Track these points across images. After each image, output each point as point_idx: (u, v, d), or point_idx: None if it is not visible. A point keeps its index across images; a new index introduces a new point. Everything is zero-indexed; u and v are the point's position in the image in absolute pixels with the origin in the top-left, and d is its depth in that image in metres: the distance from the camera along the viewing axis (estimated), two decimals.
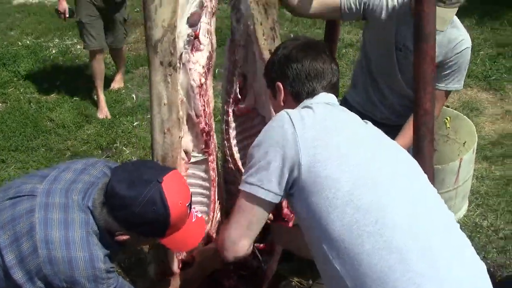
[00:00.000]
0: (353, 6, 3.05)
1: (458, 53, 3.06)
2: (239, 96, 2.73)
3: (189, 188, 2.19)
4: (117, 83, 6.61)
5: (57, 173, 2.25)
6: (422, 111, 2.46)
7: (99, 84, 6.05)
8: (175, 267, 2.51)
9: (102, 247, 2.11)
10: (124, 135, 5.66)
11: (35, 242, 2.03)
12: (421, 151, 2.49)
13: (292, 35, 7.42)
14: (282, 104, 2.23)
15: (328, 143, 1.94)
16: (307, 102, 2.14)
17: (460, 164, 3.87)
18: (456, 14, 2.96)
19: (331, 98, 2.18)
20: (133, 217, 2.04)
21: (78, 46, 7.48)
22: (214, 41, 2.47)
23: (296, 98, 2.19)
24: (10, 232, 2.07)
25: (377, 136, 2.13)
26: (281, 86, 2.22)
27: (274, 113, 2.58)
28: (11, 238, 2.06)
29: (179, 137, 2.35)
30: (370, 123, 2.18)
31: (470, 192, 4.41)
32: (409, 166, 2.07)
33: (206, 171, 2.58)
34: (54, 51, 7.53)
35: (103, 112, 6.01)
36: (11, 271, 2.05)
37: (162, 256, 2.49)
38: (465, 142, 4.23)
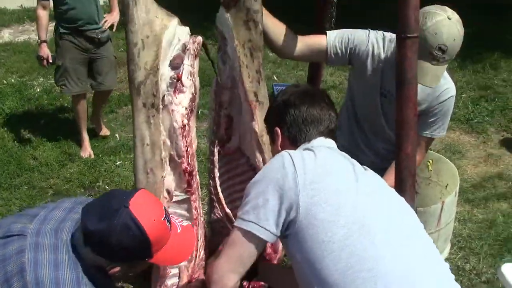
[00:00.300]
0: (339, 51, 3.01)
1: (443, 102, 3.07)
2: (225, 137, 2.74)
3: (161, 203, 2.19)
4: (104, 129, 6.38)
5: (46, 212, 2.23)
6: (404, 155, 2.46)
7: (83, 125, 6.00)
8: None
9: (93, 286, 2.08)
10: (107, 174, 5.64)
11: (25, 283, 1.99)
12: (403, 194, 2.48)
13: (275, 77, 7.50)
14: (279, 149, 2.23)
15: (327, 187, 1.96)
16: (306, 146, 2.16)
17: (442, 207, 3.87)
18: None
19: (330, 143, 2.22)
20: (113, 248, 2.02)
21: None
22: (197, 83, 2.49)
23: (293, 142, 2.22)
24: (0, 272, 2.03)
25: (375, 182, 2.15)
26: (279, 131, 2.24)
27: (259, 155, 2.59)
28: (2, 279, 2.02)
29: (162, 176, 2.36)
30: (369, 169, 2.20)
31: (453, 235, 4.40)
32: (406, 212, 2.10)
33: (189, 210, 2.58)
34: (38, 90, 7.54)
35: (87, 151, 5.98)
36: None
37: None
38: (447, 184, 4.24)
